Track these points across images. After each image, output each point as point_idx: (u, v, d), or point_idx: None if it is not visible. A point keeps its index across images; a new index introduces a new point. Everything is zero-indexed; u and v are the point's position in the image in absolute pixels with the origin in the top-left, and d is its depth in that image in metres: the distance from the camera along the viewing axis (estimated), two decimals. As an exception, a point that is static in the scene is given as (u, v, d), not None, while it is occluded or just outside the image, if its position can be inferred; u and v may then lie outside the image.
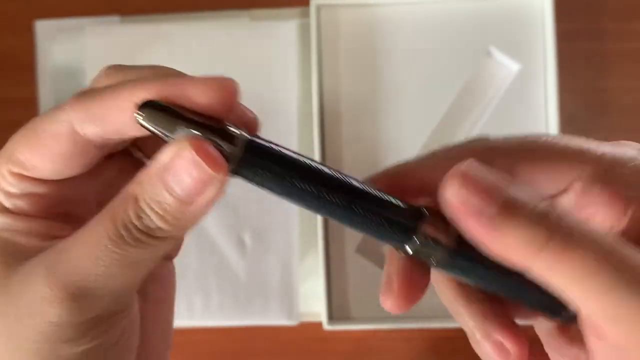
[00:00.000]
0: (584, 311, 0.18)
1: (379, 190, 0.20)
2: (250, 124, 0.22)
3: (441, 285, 0.23)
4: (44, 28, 0.54)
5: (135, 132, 0.20)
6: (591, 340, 0.19)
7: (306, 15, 0.52)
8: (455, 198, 0.18)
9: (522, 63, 0.50)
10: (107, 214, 0.20)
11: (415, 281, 0.22)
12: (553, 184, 0.21)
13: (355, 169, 0.51)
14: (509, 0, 0.51)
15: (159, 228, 0.20)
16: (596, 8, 0.52)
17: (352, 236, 0.51)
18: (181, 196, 0.19)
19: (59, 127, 0.21)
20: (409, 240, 0.20)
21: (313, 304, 0.51)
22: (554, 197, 0.21)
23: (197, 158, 0.19)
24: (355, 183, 0.20)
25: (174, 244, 0.21)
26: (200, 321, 0.51)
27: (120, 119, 0.20)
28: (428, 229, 0.20)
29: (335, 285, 0.51)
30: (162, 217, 0.20)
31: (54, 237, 0.22)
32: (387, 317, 0.50)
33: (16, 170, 0.21)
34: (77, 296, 0.20)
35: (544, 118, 0.50)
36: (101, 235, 0.20)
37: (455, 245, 0.20)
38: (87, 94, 0.20)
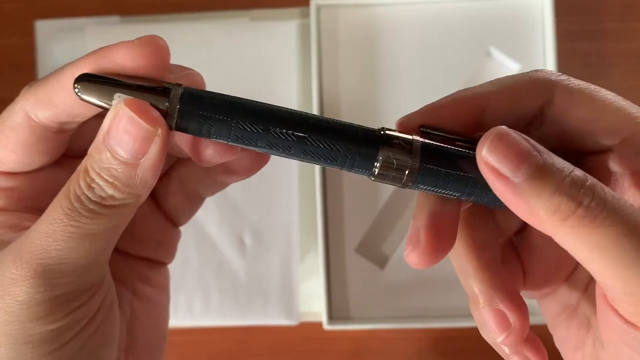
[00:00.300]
0: (602, 284, 0.18)
1: (333, 119, 0.20)
2: (193, 81, 0.23)
3: (458, 243, 0.22)
4: (44, 28, 0.54)
5: (84, 110, 0.21)
6: (605, 316, 0.19)
7: (306, 15, 0.52)
8: (487, 159, 0.18)
9: (522, 63, 0.50)
10: (63, 191, 0.20)
11: (443, 235, 0.21)
12: (602, 138, 0.20)
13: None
14: (509, 0, 0.51)
15: (111, 196, 0.20)
16: (596, 8, 0.52)
17: (352, 236, 0.51)
18: (126, 158, 0.19)
19: (15, 117, 0.21)
20: (371, 164, 0.20)
21: (313, 304, 0.51)
22: (597, 153, 0.21)
23: (132, 115, 0.19)
24: (305, 114, 0.20)
25: (131, 214, 0.21)
26: (200, 321, 0.51)
27: (67, 99, 0.21)
28: (389, 152, 0.20)
29: (335, 285, 0.51)
30: (111, 184, 0.20)
31: (25, 228, 0.22)
32: (387, 317, 0.50)
33: None
34: (41, 272, 0.20)
35: (544, 118, 0.50)
36: (57, 211, 0.20)
37: (419, 163, 0.20)
38: (36, 82, 0.21)
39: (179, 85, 0.20)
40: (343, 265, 0.51)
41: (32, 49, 0.54)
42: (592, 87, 0.21)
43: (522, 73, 0.21)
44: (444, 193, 0.21)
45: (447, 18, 0.51)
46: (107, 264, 0.23)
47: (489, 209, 0.23)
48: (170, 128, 0.20)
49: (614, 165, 0.20)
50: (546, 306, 0.25)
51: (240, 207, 0.51)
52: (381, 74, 0.51)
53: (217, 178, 0.26)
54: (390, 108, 0.51)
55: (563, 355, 0.24)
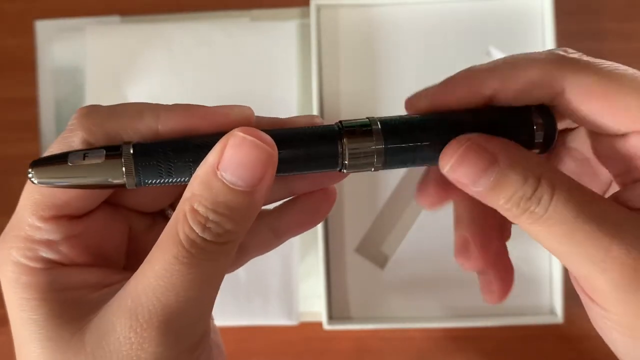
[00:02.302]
0: (577, 271, 0.20)
1: (288, 130, 0.21)
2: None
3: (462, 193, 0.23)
4: (44, 28, 0.54)
5: None
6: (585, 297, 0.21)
7: (306, 15, 0.52)
8: (450, 176, 0.21)
9: (522, 63, 0.50)
10: (167, 240, 0.19)
11: (489, 241, 0.24)
12: (620, 121, 0.20)
13: (355, 169, 0.51)
14: (509, 0, 0.51)
15: (228, 231, 0.19)
16: (596, 8, 0.52)
17: (352, 236, 0.51)
18: (243, 186, 0.19)
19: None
20: (337, 159, 0.21)
21: (313, 304, 0.51)
22: (613, 136, 0.21)
23: (254, 140, 0.19)
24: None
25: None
26: (200, 321, 0.51)
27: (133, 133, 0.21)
28: (352, 141, 0.21)
29: (335, 285, 0.51)
30: (230, 218, 0.19)
31: (105, 286, 0.21)
32: (387, 317, 0.50)
33: (49, 213, 0.21)
34: (165, 330, 0.19)
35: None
36: (169, 262, 0.19)
37: (384, 144, 0.21)
38: (96, 111, 0.21)
39: (128, 143, 0.20)
40: (343, 265, 0.51)
41: (32, 49, 0.54)
42: (606, 78, 0.20)
43: (535, 58, 0.21)
44: (419, 164, 0.22)
45: (447, 18, 0.51)
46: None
47: None
48: (133, 185, 0.20)
49: (627, 148, 0.21)
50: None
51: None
52: (381, 74, 0.51)
53: (285, 237, 0.26)
54: (390, 108, 0.51)
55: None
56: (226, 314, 0.51)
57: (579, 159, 0.24)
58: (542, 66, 0.21)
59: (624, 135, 0.21)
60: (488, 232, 0.24)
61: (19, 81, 0.54)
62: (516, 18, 0.51)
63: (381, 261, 0.51)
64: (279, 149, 0.19)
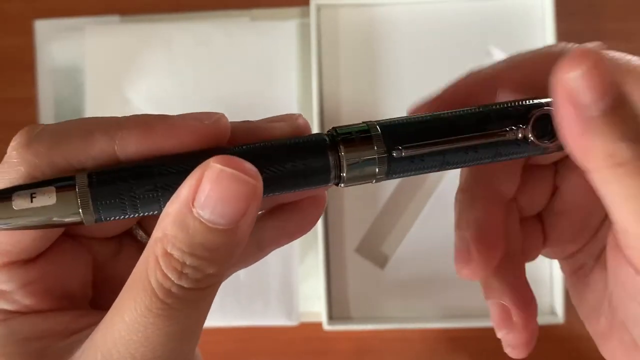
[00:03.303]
0: (626, 233, 0.18)
1: (269, 143, 0.18)
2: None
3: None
4: (44, 28, 0.54)
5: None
6: (616, 269, 0.19)
7: (306, 15, 0.52)
8: (571, 83, 0.16)
9: (522, 63, 0.50)
10: (137, 286, 0.16)
11: (492, 244, 0.20)
12: None
13: (355, 169, 0.51)
14: (509, 0, 0.51)
15: (209, 275, 0.16)
16: (596, 8, 0.52)
17: (352, 236, 0.51)
18: (225, 224, 0.16)
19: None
20: (331, 176, 0.18)
21: (313, 304, 0.51)
22: None
23: (235, 172, 0.16)
24: (243, 148, 0.18)
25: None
26: (200, 321, 0.51)
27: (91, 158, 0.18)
28: (346, 155, 0.18)
29: (335, 285, 0.51)
30: (210, 260, 0.16)
31: (73, 332, 0.19)
32: (387, 317, 0.50)
33: (1, 260, 0.18)
34: None
35: (544, 118, 0.50)
36: (141, 314, 0.16)
37: (385, 153, 0.18)
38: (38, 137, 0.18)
39: (82, 171, 0.17)
40: (343, 265, 0.51)
41: (31, 48, 0.54)
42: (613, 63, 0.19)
43: (535, 49, 0.21)
44: (427, 170, 0.19)
45: (447, 18, 0.51)
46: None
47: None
48: (92, 222, 0.17)
49: None
50: (565, 265, 0.24)
51: (240, 207, 0.51)
52: (381, 73, 0.51)
53: (269, 249, 0.23)
54: (390, 108, 0.51)
55: (580, 315, 0.24)
56: (226, 314, 0.51)
57: None
58: (544, 50, 0.20)
59: None
60: (494, 237, 0.21)
61: (18, 81, 0.54)
62: (516, 18, 0.51)
63: (381, 261, 0.51)
64: (262, 168, 0.17)
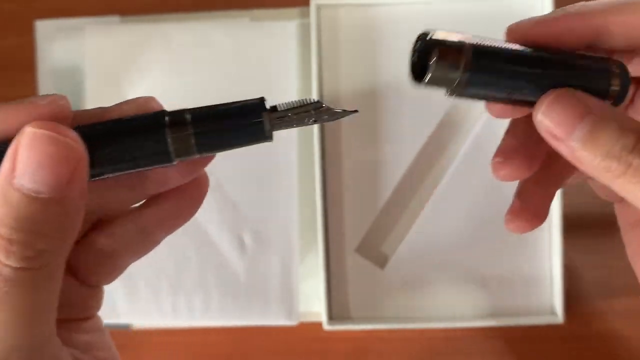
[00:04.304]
0: None
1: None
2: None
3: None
4: (44, 28, 0.54)
5: None
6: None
7: (306, 15, 0.52)
8: (543, 122, 0.19)
9: (522, 63, 0.50)
10: None
11: (534, 152, 0.22)
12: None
13: (356, 168, 0.51)
14: (509, 0, 0.51)
15: (42, 251, 0.15)
16: (596, 8, 0.52)
17: (352, 236, 0.51)
18: (48, 192, 0.15)
19: None
20: (423, 75, 0.20)
21: (313, 304, 0.51)
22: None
23: (50, 133, 0.15)
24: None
25: (65, 257, 0.17)
26: (200, 321, 0.51)
27: None
28: (437, 64, 0.19)
29: (335, 285, 0.51)
30: (40, 234, 0.15)
31: None
32: (387, 317, 0.50)
33: None
34: None
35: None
36: None
37: (463, 74, 0.20)
38: None
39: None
40: (343, 265, 0.51)
41: (32, 49, 0.54)
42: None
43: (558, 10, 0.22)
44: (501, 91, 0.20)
45: (447, 18, 0.51)
46: (55, 330, 0.18)
47: None
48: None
49: None
50: (620, 211, 0.25)
51: (240, 207, 0.51)
52: (381, 73, 0.51)
53: (155, 235, 0.22)
54: (390, 108, 0.51)
55: (633, 264, 0.25)
56: (226, 314, 0.51)
57: None
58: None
59: None
60: (536, 147, 0.22)
61: (18, 81, 0.54)
62: (516, 18, 0.50)
63: (381, 261, 0.51)
64: (100, 145, 0.17)
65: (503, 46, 0.21)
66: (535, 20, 0.23)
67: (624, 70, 0.21)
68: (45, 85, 0.54)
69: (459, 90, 0.20)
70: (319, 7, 0.51)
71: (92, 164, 0.17)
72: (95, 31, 0.53)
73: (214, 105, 0.20)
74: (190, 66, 0.51)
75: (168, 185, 0.21)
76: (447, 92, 0.20)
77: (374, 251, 0.51)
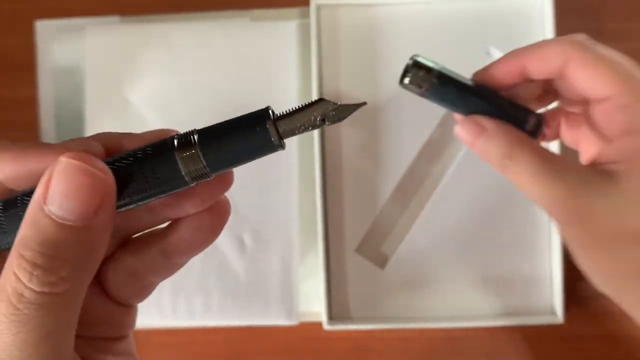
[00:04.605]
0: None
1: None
2: None
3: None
4: (44, 28, 0.54)
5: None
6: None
7: (306, 15, 0.52)
8: (459, 135, 0.29)
9: (522, 63, 0.50)
10: None
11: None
12: (598, 88, 0.27)
13: (356, 168, 0.51)
14: (509, 0, 0.51)
15: (63, 278, 0.16)
16: (596, 8, 0.52)
17: (352, 236, 0.51)
18: (75, 220, 0.16)
19: None
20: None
21: (313, 304, 0.51)
22: (593, 101, 0.28)
23: (80, 164, 0.16)
24: None
25: (87, 285, 0.17)
26: (201, 321, 0.51)
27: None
28: (412, 73, 0.30)
29: (335, 285, 0.51)
30: (62, 260, 0.16)
31: None
32: (387, 317, 0.50)
33: None
34: None
35: (544, 118, 0.50)
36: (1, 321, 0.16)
37: (431, 86, 0.29)
38: None
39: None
40: (343, 265, 0.51)
41: (32, 49, 0.54)
42: (601, 58, 0.27)
43: (555, 39, 0.29)
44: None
45: (447, 18, 0.51)
46: (73, 350, 0.19)
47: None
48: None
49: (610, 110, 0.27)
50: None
51: (240, 207, 0.51)
52: (381, 73, 0.51)
53: (176, 259, 0.22)
54: (390, 107, 0.51)
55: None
56: (226, 314, 0.51)
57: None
58: (560, 45, 0.28)
59: (603, 101, 0.27)
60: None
61: (19, 81, 0.54)
62: (516, 18, 0.51)
63: (381, 261, 0.51)
64: (120, 176, 0.17)
65: (459, 78, 0.29)
66: (488, 65, 0.30)
67: (539, 119, 0.29)
68: (45, 85, 0.54)
69: (425, 94, 0.30)
70: (319, 7, 0.51)
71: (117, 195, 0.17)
72: (95, 31, 0.53)
73: (222, 122, 0.20)
74: (190, 66, 0.51)
75: (186, 210, 0.21)
76: (418, 93, 0.30)
77: (374, 251, 0.51)
